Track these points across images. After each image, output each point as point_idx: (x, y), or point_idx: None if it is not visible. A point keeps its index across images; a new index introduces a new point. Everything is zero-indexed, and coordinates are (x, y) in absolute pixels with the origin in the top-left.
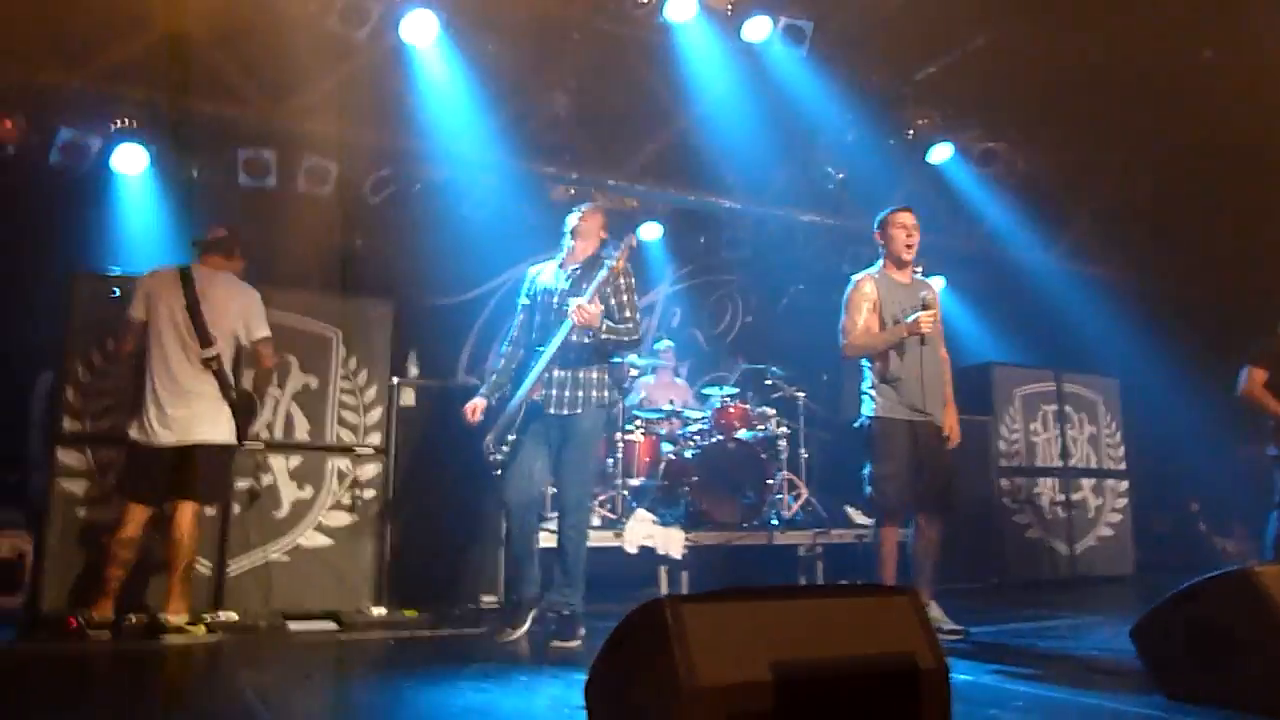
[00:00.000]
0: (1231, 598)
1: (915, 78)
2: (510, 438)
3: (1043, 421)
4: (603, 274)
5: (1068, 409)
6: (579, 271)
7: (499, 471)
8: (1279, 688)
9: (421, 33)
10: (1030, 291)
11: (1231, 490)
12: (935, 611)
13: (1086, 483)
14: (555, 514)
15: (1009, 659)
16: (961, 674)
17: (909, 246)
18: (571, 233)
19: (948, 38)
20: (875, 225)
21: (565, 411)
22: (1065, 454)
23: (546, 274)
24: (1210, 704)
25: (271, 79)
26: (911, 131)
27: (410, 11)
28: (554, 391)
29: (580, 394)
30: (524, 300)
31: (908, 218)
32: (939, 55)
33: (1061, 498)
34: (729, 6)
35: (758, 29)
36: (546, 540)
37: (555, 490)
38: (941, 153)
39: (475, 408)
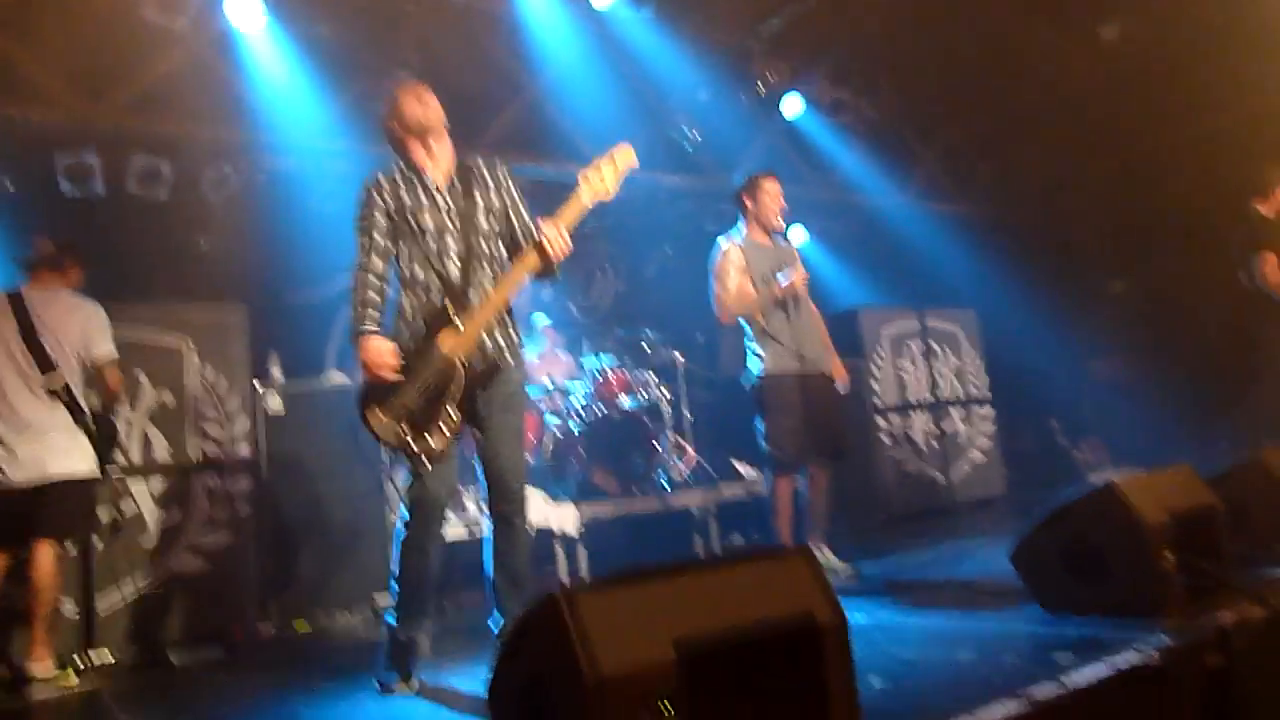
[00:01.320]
0: (1098, 512)
1: (760, 33)
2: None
3: (910, 358)
4: (504, 188)
5: (932, 343)
6: (456, 184)
7: (429, 466)
8: (1146, 590)
9: (247, 18)
10: (888, 234)
11: (1085, 404)
12: (828, 555)
13: (956, 413)
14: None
15: (901, 593)
16: (858, 615)
17: (779, 212)
18: (417, 129)
19: None
20: (742, 188)
21: (501, 364)
22: (934, 387)
23: (395, 189)
24: (1087, 613)
25: (85, 77)
26: (762, 86)
27: None
28: (488, 341)
29: (509, 342)
30: (376, 220)
31: (776, 185)
32: (781, 8)
33: (934, 430)
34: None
35: None
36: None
37: (489, 472)
38: (793, 105)
39: (386, 350)
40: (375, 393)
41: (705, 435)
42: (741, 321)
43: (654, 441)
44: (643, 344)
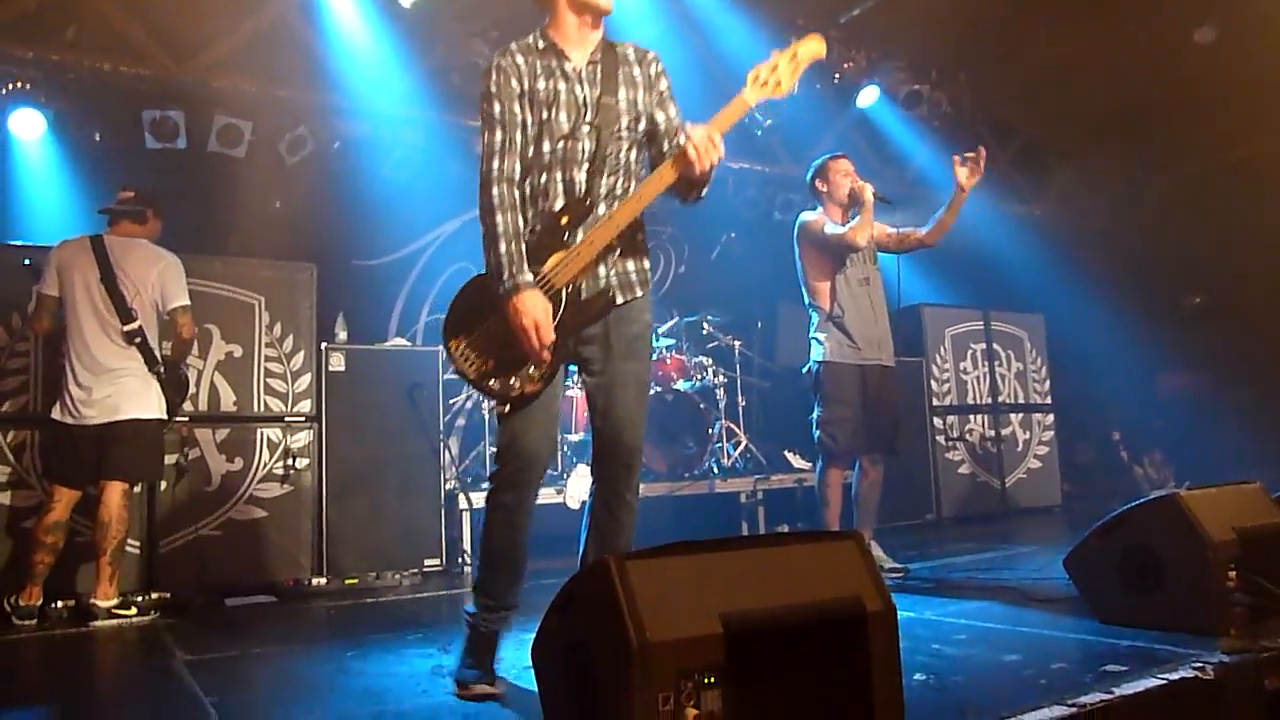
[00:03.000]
0: (1158, 523)
1: (840, 20)
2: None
3: (972, 360)
4: (655, 85)
5: (995, 347)
6: (597, 69)
7: (506, 407)
8: (1203, 606)
9: None
10: (958, 232)
11: (1150, 419)
12: (877, 551)
13: (1015, 418)
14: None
15: (949, 593)
16: (905, 611)
17: (856, 187)
18: None
19: None
20: (813, 173)
21: (619, 298)
22: (994, 391)
23: (531, 66)
24: (1141, 625)
25: (175, 35)
26: (837, 75)
27: None
28: (603, 269)
29: (636, 273)
30: (511, 109)
31: (848, 164)
32: None
33: (992, 433)
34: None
35: None
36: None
37: (598, 430)
38: (868, 96)
39: (548, 315)
40: (464, 321)
41: (758, 423)
42: (808, 307)
43: (706, 426)
44: (701, 328)
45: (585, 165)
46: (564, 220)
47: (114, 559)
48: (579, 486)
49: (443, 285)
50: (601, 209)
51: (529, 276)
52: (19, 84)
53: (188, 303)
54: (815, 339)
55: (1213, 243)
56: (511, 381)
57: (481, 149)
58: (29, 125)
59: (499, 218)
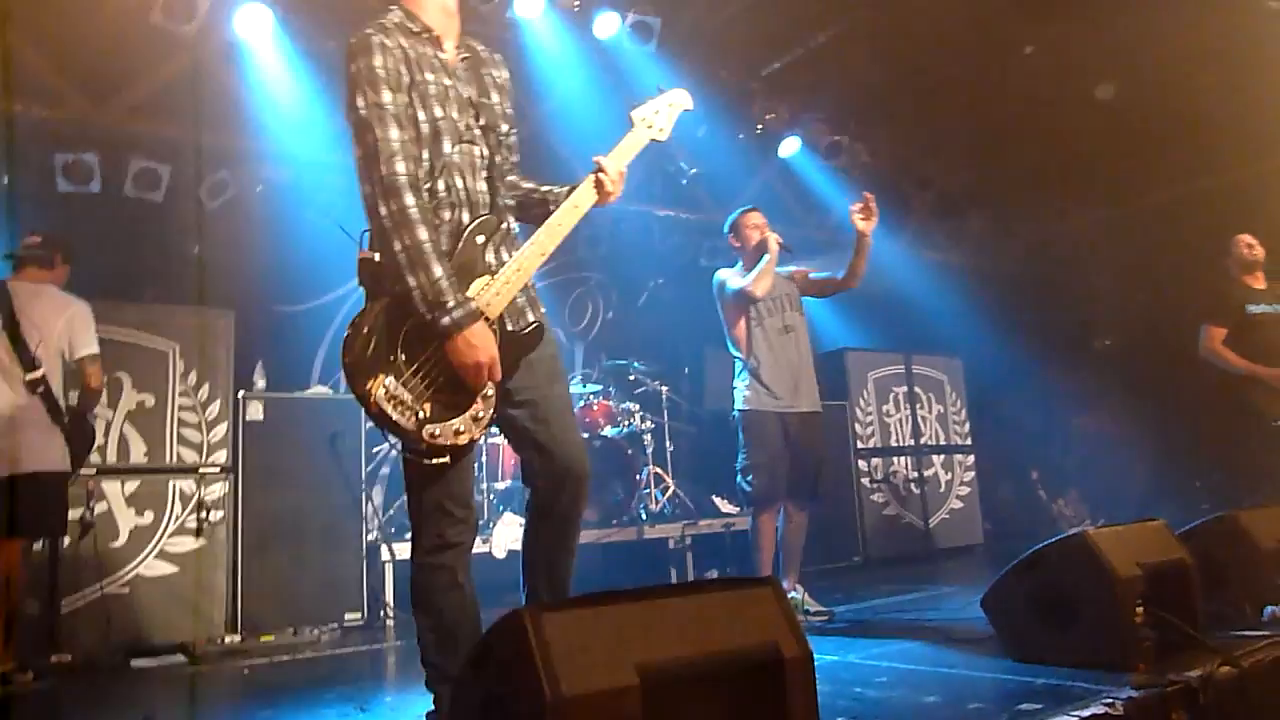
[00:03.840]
0: (1069, 561)
1: (762, 73)
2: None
3: (894, 403)
4: (506, 84)
5: (917, 389)
6: (468, 60)
7: (446, 459)
8: (1113, 641)
9: (256, 28)
10: (879, 278)
11: (1065, 458)
12: (803, 595)
13: (937, 459)
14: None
15: (872, 635)
16: (829, 655)
17: (761, 234)
18: None
19: (791, 35)
20: (727, 228)
21: (540, 325)
22: (916, 433)
23: (406, 49)
24: (1056, 662)
25: (92, 78)
26: (760, 126)
27: (242, 6)
28: (521, 297)
29: (530, 287)
30: (401, 98)
31: (758, 217)
32: (784, 52)
33: (915, 475)
34: (576, 4)
35: (606, 25)
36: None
37: (539, 460)
38: (789, 146)
39: (492, 343)
40: (383, 357)
41: (686, 468)
42: (732, 353)
43: (634, 472)
44: (629, 374)
45: (483, 173)
46: (480, 239)
47: (11, 621)
48: (506, 535)
49: None
50: (505, 228)
51: (474, 305)
52: None
53: (96, 351)
54: (735, 387)
55: (1119, 287)
56: (457, 428)
57: (369, 148)
58: None
59: (422, 233)
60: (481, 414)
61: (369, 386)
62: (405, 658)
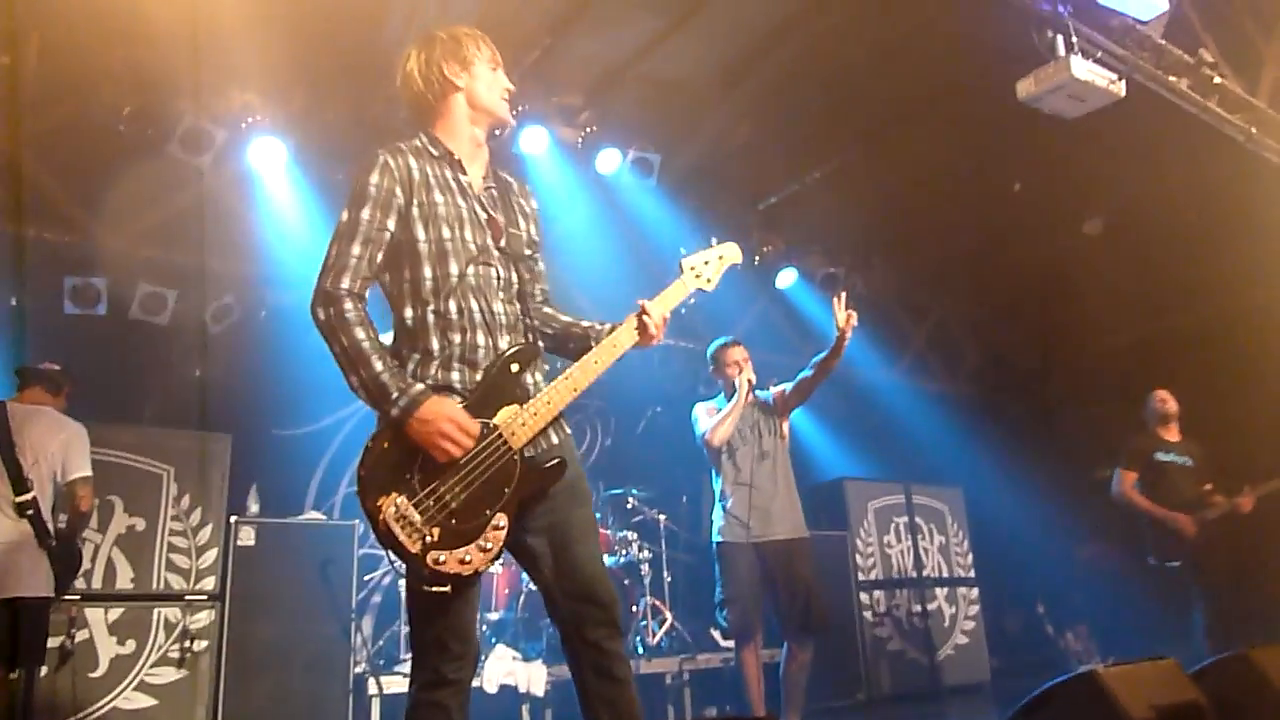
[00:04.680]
0: (1079, 702)
1: (759, 207)
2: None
3: (895, 533)
4: (535, 213)
5: (918, 520)
6: (493, 190)
7: (447, 588)
8: None
9: (268, 160)
10: (877, 408)
11: (1072, 590)
12: None
13: (940, 592)
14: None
15: None
16: None
17: (740, 369)
18: (484, 109)
19: (788, 170)
20: (709, 358)
21: (566, 458)
22: (918, 564)
23: (423, 170)
24: None
25: (105, 205)
26: (757, 258)
27: (256, 139)
28: (552, 430)
29: (565, 428)
30: (382, 220)
31: (738, 351)
32: (780, 186)
33: (918, 608)
34: (579, 140)
35: (608, 161)
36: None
37: (568, 589)
38: (786, 278)
39: (458, 415)
40: (395, 478)
41: (684, 600)
42: (715, 486)
43: (631, 603)
44: (626, 502)
45: (501, 294)
46: (515, 367)
47: None
48: (498, 669)
49: None
50: (529, 355)
51: (420, 385)
52: None
53: (89, 474)
54: (712, 519)
55: (1118, 417)
56: (462, 557)
57: (326, 258)
58: None
59: (360, 333)
60: (490, 545)
61: (380, 503)
62: None
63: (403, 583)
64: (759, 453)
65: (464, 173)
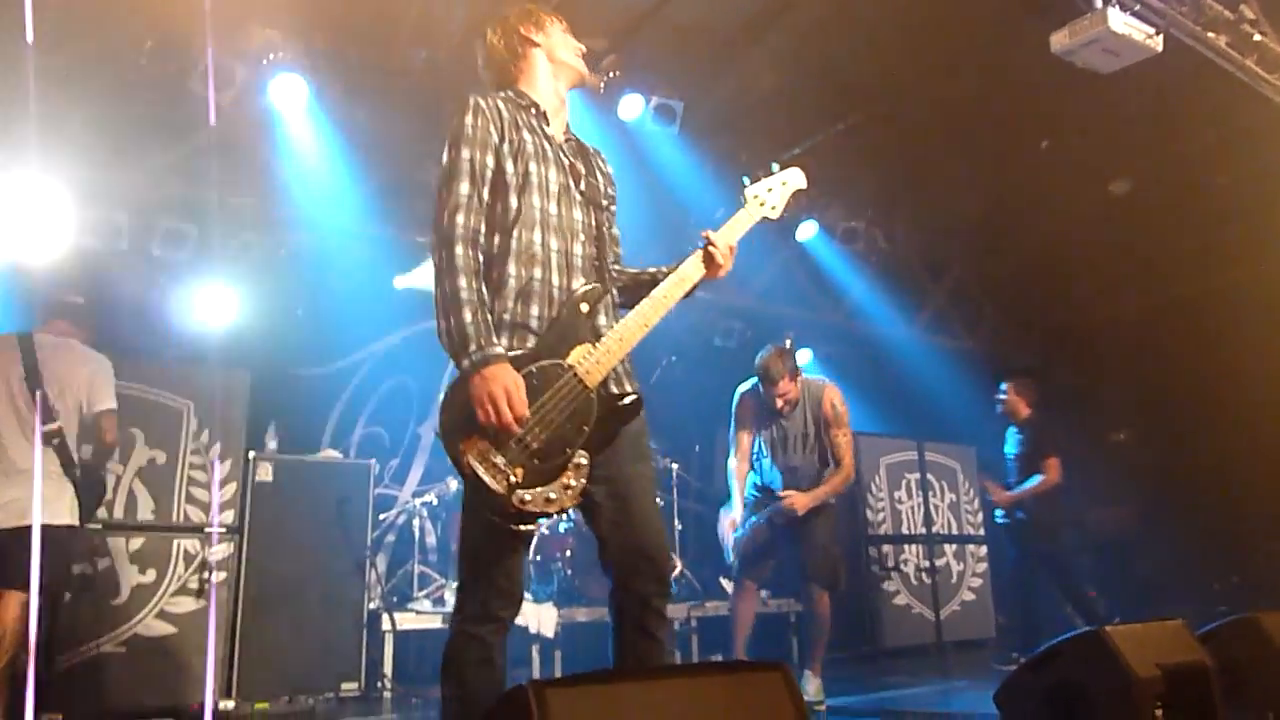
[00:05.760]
0: (1085, 658)
1: (781, 158)
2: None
3: (906, 489)
4: (610, 177)
5: (929, 477)
6: (573, 143)
7: (523, 526)
8: None
9: (291, 99)
10: (893, 363)
11: (1081, 552)
12: (814, 685)
13: (949, 549)
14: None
15: None
16: None
17: (783, 404)
18: (566, 66)
19: (812, 121)
20: (761, 372)
21: (635, 398)
22: (928, 521)
23: (514, 116)
24: None
25: (126, 140)
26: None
27: (278, 76)
28: (620, 367)
29: (627, 359)
30: (487, 143)
31: (780, 387)
32: (804, 137)
33: (926, 564)
34: (602, 85)
35: (631, 107)
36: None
37: (618, 544)
38: (806, 230)
39: (521, 390)
40: (475, 423)
41: (694, 549)
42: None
43: None
44: None
45: (581, 237)
46: (585, 307)
47: (4, 676)
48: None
49: (380, 399)
50: (611, 294)
51: (499, 349)
52: None
53: (114, 407)
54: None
55: (1135, 381)
56: (548, 495)
57: (439, 200)
58: None
59: (464, 281)
60: (573, 483)
61: (463, 446)
62: None
63: (416, 523)
64: (795, 463)
65: (548, 123)
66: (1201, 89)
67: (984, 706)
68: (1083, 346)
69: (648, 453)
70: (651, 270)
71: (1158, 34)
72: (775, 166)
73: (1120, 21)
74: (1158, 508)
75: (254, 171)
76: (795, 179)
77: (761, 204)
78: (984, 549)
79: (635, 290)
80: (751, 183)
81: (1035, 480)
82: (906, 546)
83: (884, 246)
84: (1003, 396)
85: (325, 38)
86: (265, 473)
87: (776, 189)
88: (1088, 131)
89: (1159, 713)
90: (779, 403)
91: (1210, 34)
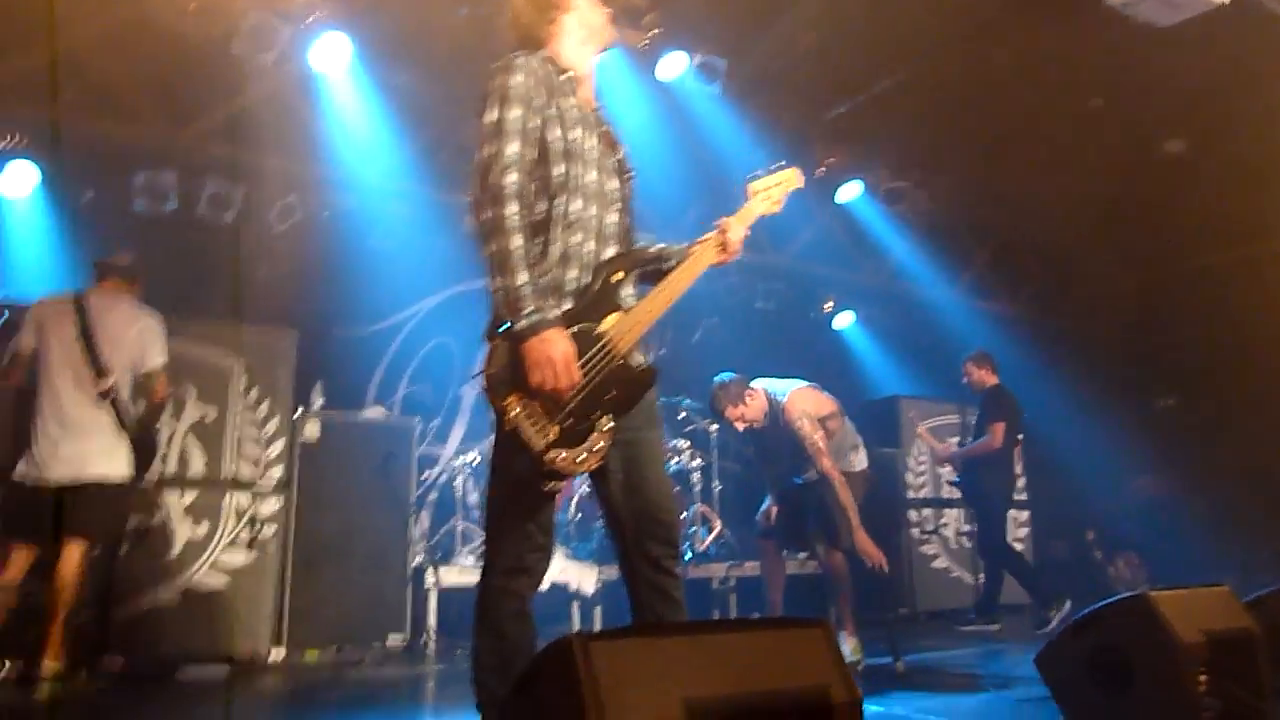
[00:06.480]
0: (1128, 623)
1: (825, 117)
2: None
3: None
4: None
5: (970, 440)
6: (600, 112)
7: (553, 484)
8: (1174, 708)
9: (333, 59)
10: (935, 326)
11: (1123, 519)
12: (850, 644)
13: None
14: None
15: (918, 687)
16: (873, 705)
17: (743, 426)
18: (592, 30)
19: (856, 80)
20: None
21: (653, 367)
22: None
23: (549, 78)
24: None
25: (174, 102)
26: (821, 169)
27: (321, 36)
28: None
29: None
30: (529, 118)
31: (730, 414)
32: (848, 96)
33: (966, 528)
34: (645, 43)
35: (672, 66)
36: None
37: (631, 507)
38: (850, 191)
39: (573, 357)
40: (520, 379)
41: (733, 508)
42: None
43: (681, 510)
44: (679, 411)
45: (615, 206)
46: (617, 275)
47: (66, 623)
48: (550, 567)
49: (423, 358)
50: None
51: (556, 313)
52: (15, 138)
53: (164, 363)
54: None
55: (1185, 345)
56: (579, 456)
57: (484, 159)
58: (20, 181)
59: (514, 240)
60: (600, 445)
61: (508, 402)
62: (445, 683)
63: (459, 481)
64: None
65: (576, 91)
66: (1258, 47)
67: (1022, 669)
68: (1128, 312)
69: (660, 420)
70: (659, 246)
71: None
72: (781, 162)
73: None
74: (1203, 475)
75: (297, 133)
76: (793, 180)
77: (765, 199)
78: (1025, 514)
79: (644, 263)
80: (754, 178)
81: (980, 441)
82: (946, 510)
83: (928, 207)
84: (966, 375)
85: None
86: (312, 430)
87: (776, 190)
88: (1141, 90)
89: (1203, 679)
90: (739, 426)
91: None
